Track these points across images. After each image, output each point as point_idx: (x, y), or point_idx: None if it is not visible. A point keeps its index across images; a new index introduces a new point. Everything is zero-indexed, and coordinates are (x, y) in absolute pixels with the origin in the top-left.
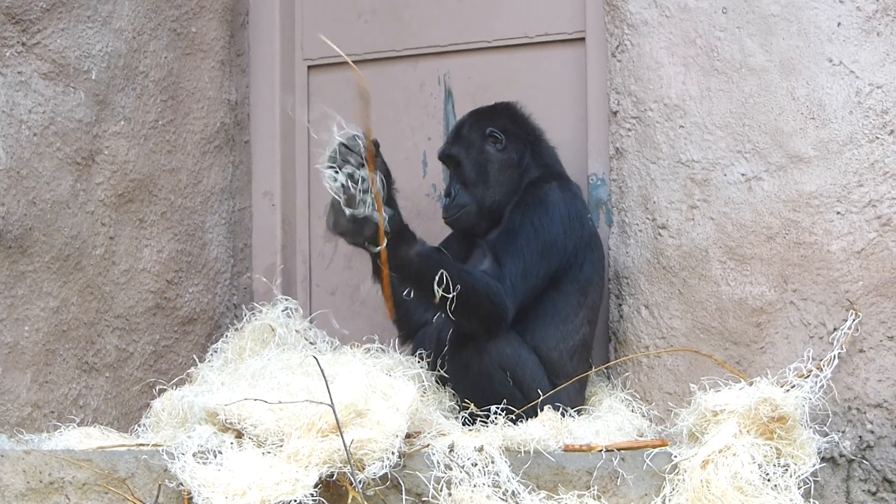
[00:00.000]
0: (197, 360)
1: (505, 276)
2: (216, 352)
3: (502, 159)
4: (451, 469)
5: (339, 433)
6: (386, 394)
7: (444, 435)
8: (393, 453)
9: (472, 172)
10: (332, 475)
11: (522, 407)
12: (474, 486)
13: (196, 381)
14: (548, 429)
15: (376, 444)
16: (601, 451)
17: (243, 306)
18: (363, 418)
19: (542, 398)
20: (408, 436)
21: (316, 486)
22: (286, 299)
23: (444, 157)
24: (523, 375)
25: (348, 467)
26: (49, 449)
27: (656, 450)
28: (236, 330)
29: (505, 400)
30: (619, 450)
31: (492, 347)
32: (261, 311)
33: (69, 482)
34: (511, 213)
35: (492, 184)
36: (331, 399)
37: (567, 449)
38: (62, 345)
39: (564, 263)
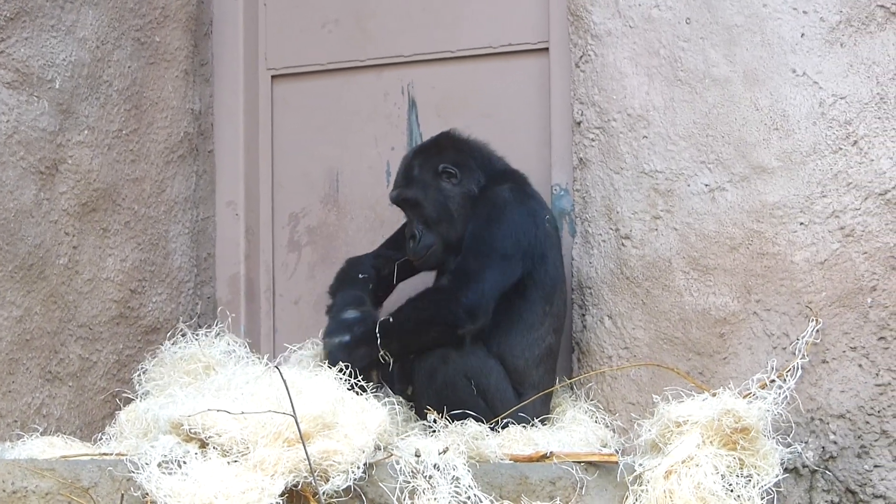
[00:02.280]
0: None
1: (462, 288)
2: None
3: (461, 192)
4: (415, 478)
5: (302, 442)
6: (356, 411)
7: (408, 443)
8: (358, 467)
9: (433, 212)
10: (297, 484)
11: (485, 416)
12: (436, 498)
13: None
14: (509, 439)
15: (342, 456)
16: (544, 456)
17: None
18: (331, 430)
19: (509, 412)
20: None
21: (282, 494)
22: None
23: (401, 200)
24: (488, 385)
25: (311, 477)
26: (12, 458)
27: (615, 462)
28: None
29: (469, 409)
30: (575, 462)
31: (456, 356)
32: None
33: (32, 491)
34: (469, 227)
35: (455, 218)
36: (293, 407)
37: (514, 459)
38: (25, 354)
39: (528, 264)
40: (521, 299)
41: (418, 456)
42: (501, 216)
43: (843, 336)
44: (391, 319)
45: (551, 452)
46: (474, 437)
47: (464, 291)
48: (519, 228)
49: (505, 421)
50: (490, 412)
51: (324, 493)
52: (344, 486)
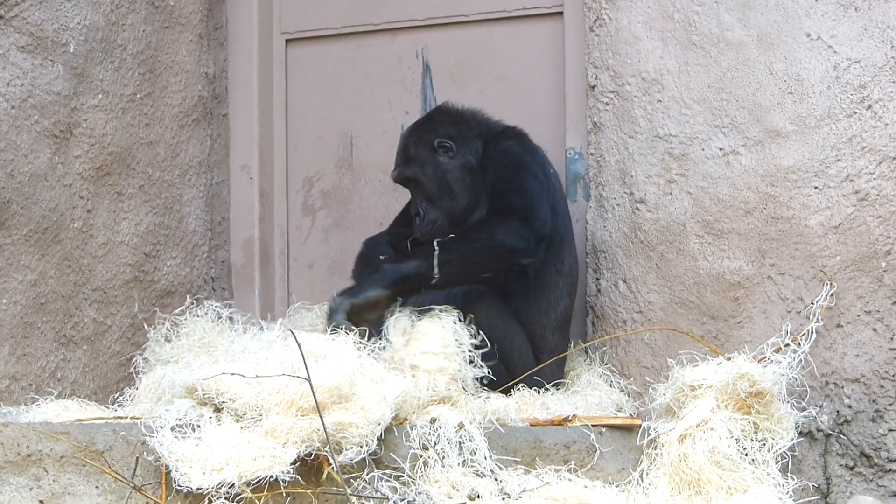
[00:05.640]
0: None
1: (528, 212)
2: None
3: (459, 165)
4: (429, 443)
5: (318, 413)
6: (375, 379)
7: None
8: (373, 440)
9: (433, 188)
10: (310, 454)
11: (504, 379)
12: (449, 461)
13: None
14: (524, 404)
15: (357, 429)
16: (566, 419)
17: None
18: (348, 402)
19: (524, 375)
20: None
21: (293, 463)
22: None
23: (402, 180)
24: (511, 348)
25: (324, 449)
26: (27, 421)
27: (638, 426)
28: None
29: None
30: (594, 426)
31: (482, 318)
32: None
33: (47, 455)
34: (491, 174)
35: (457, 191)
36: (308, 374)
37: (533, 423)
38: (40, 318)
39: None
40: None
41: (433, 423)
42: (522, 163)
43: (857, 300)
44: (453, 238)
45: (573, 416)
46: (492, 404)
47: (532, 215)
48: (539, 175)
49: (520, 385)
50: (508, 377)
51: (337, 464)
52: (357, 459)
